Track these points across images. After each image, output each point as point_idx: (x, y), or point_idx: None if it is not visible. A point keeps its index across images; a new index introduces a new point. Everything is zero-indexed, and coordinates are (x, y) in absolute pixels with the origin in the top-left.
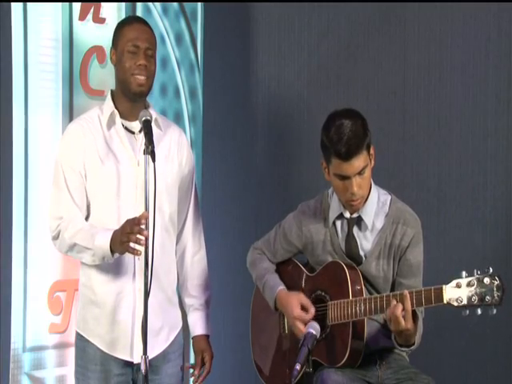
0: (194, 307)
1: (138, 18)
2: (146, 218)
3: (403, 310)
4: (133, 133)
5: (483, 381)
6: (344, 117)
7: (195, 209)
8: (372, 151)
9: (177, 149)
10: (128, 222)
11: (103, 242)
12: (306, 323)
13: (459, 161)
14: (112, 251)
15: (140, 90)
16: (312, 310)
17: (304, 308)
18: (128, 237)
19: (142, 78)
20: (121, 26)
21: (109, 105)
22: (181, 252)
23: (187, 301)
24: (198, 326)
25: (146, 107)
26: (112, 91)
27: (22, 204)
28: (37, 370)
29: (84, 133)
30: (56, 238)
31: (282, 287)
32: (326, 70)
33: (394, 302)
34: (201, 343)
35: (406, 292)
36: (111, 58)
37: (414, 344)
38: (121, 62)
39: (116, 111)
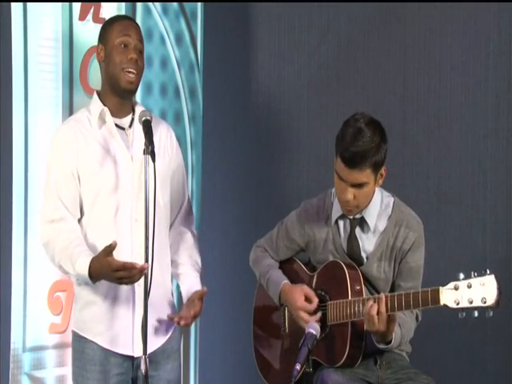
0: (189, 274)
1: (124, 15)
2: (145, 269)
3: (379, 311)
4: (123, 129)
5: (483, 381)
6: (367, 125)
7: (189, 201)
8: (383, 172)
9: (167, 144)
10: (118, 267)
11: (82, 270)
12: (309, 313)
13: (459, 161)
14: (92, 277)
15: (130, 87)
16: (315, 300)
17: (307, 299)
18: (121, 282)
19: (132, 75)
20: (109, 23)
21: (97, 104)
22: (177, 239)
23: (182, 271)
24: (195, 285)
25: (133, 104)
26: (98, 92)
27: (22, 204)
28: (37, 370)
29: (75, 135)
30: (46, 246)
31: (286, 281)
32: (325, 70)
33: (371, 303)
34: (199, 295)
35: (383, 295)
36: (99, 54)
37: (391, 342)
38: (111, 56)
39: (106, 108)
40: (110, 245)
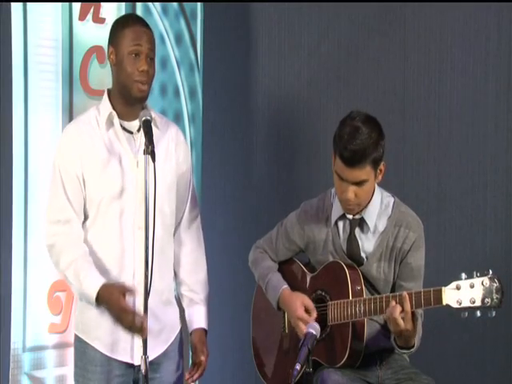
0: (193, 301)
1: (137, 17)
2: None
3: (402, 311)
4: (131, 133)
5: (483, 381)
6: (364, 123)
7: (193, 206)
8: (382, 168)
9: (174, 147)
10: (127, 316)
11: (89, 291)
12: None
13: (459, 161)
14: (98, 302)
15: (141, 95)
16: (314, 314)
17: (307, 310)
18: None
19: (143, 85)
20: (121, 27)
21: (106, 105)
22: (179, 249)
23: (187, 295)
24: (197, 320)
25: (144, 107)
26: (109, 90)
27: (22, 204)
28: (37, 370)
29: (82, 136)
30: (51, 248)
31: (285, 286)
32: (325, 70)
33: (393, 303)
34: (199, 338)
35: (406, 294)
36: (109, 57)
37: (413, 346)
38: (122, 64)
39: (114, 112)
40: (126, 286)
